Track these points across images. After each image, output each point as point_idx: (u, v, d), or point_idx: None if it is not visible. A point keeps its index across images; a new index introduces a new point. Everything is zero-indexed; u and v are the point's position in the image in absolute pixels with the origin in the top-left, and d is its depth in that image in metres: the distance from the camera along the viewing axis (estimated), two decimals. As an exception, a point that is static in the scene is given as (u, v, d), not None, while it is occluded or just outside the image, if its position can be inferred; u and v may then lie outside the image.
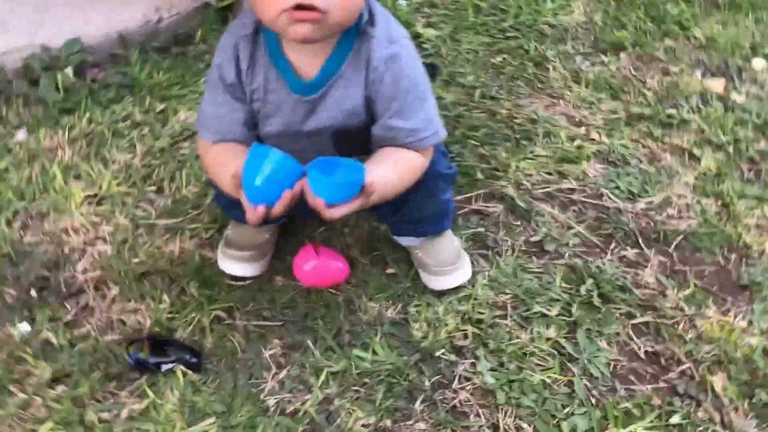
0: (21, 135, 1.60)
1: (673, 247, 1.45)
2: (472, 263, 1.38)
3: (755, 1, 2.22)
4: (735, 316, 1.32)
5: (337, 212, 0.99)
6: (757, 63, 1.98)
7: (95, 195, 1.48)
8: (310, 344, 1.24)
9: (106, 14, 1.86)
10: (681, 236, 1.47)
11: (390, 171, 1.07)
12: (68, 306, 1.29)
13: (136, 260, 1.37)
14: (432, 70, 1.87)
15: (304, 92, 1.08)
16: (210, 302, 1.29)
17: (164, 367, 1.17)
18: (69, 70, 1.72)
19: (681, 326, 1.30)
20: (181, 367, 1.18)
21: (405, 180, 1.10)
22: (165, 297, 1.30)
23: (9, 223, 1.42)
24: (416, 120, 1.07)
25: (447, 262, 1.32)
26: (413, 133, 1.09)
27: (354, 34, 1.06)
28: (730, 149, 1.68)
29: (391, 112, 1.08)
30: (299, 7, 0.94)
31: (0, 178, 1.49)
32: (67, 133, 1.61)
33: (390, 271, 1.37)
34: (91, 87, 1.71)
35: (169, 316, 1.27)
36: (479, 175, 1.58)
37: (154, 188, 1.51)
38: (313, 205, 0.99)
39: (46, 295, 1.30)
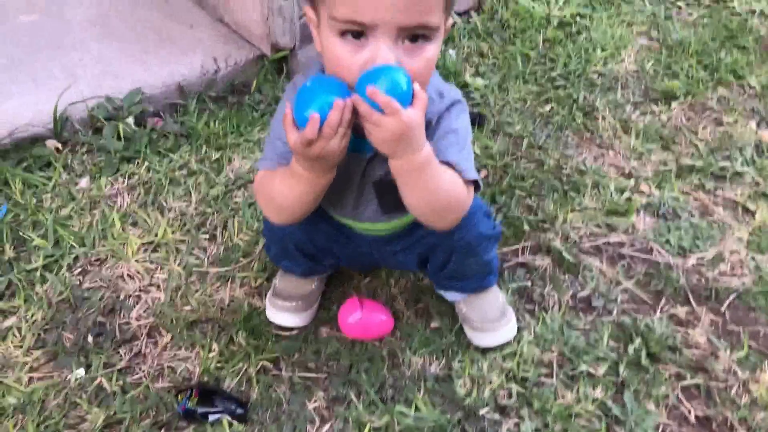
0: (84, 182, 1.67)
1: (725, 305, 1.42)
2: (518, 318, 1.37)
3: (813, 49, 2.18)
4: (791, 381, 1.28)
5: (409, 111, 0.92)
6: (816, 113, 1.93)
7: (151, 242, 1.53)
8: (354, 398, 1.25)
9: (167, 65, 1.94)
10: (734, 294, 1.44)
11: (439, 164, 1.04)
12: (122, 352, 1.33)
13: (187, 308, 1.41)
14: (479, 119, 1.90)
15: (360, 150, 1.10)
16: (257, 352, 1.32)
17: (211, 417, 1.20)
18: (130, 120, 1.80)
19: (734, 390, 1.27)
20: (228, 417, 1.20)
21: (454, 184, 1.05)
22: (214, 345, 1.33)
23: (70, 268, 1.48)
24: (450, 158, 1.06)
25: (492, 318, 1.32)
26: (450, 165, 1.07)
27: None
28: (787, 203, 1.65)
29: (434, 142, 1.08)
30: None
31: (63, 224, 1.56)
32: (126, 181, 1.67)
33: (434, 324, 1.38)
34: (151, 136, 1.78)
35: (218, 365, 1.30)
36: (526, 227, 1.58)
37: (207, 236, 1.56)
38: (382, 102, 0.91)
39: (102, 341, 1.35)
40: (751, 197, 1.67)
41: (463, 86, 2.02)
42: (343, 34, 0.94)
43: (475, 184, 1.09)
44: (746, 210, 1.64)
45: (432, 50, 0.96)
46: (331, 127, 0.93)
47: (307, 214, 1.11)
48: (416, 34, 0.93)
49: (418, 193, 1.02)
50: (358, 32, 0.93)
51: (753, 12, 2.37)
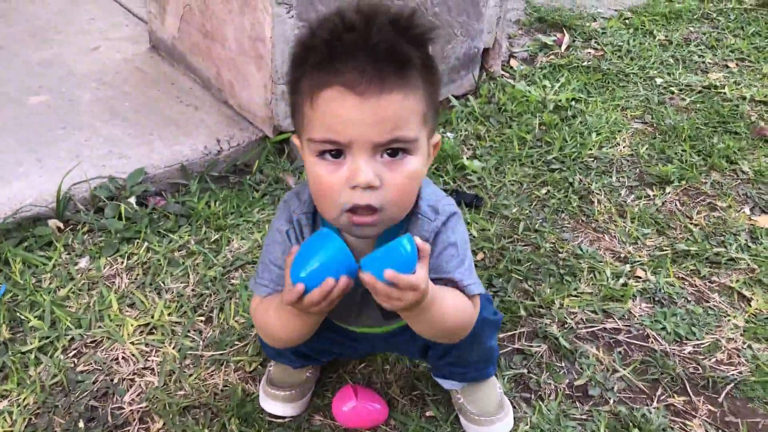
0: (83, 262, 1.69)
1: (723, 395, 1.41)
2: (514, 407, 1.36)
3: (804, 135, 2.22)
4: (792, 477, 1.26)
5: (405, 282, 0.93)
6: (808, 199, 1.96)
7: (147, 324, 1.54)
8: (347, 490, 1.23)
9: (170, 146, 1.99)
10: (731, 384, 1.43)
11: (443, 290, 1.05)
12: (113, 439, 1.32)
13: (181, 392, 1.40)
14: (476, 202, 1.93)
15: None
16: (249, 440, 1.30)
17: None
18: (132, 200, 1.83)
19: (733, 486, 1.24)
20: None
21: (461, 308, 1.07)
22: (206, 433, 1.32)
23: (65, 350, 1.48)
24: (456, 275, 1.09)
25: (489, 412, 1.31)
26: (453, 282, 1.11)
27: None
28: (782, 290, 1.65)
29: (433, 260, 1.10)
30: (356, 209, 0.97)
31: (61, 305, 1.56)
32: (125, 261, 1.69)
33: (429, 413, 1.36)
34: (152, 216, 1.81)
35: (210, 453, 1.29)
36: (522, 312, 1.59)
37: (203, 318, 1.56)
38: (376, 291, 0.94)
39: (93, 427, 1.33)
40: (746, 283, 1.67)
41: (461, 168, 2.06)
42: (321, 154, 0.96)
43: None
44: (742, 296, 1.64)
45: (413, 163, 0.97)
46: (321, 299, 0.95)
47: (295, 342, 1.11)
48: (395, 148, 0.95)
49: (427, 326, 1.05)
50: (336, 151, 0.95)
51: (743, 98, 2.43)
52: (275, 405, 1.34)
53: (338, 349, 1.31)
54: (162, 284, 1.64)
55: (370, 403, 1.32)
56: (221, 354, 1.48)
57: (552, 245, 1.79)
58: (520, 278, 1.69)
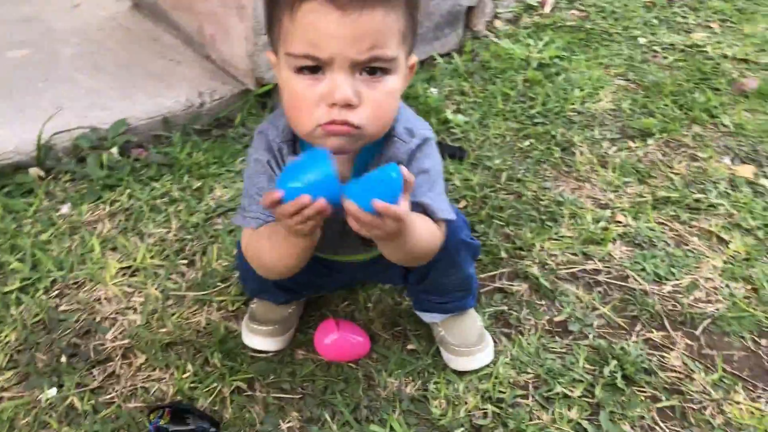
0: (65, 209, 1.68)
1: (700, 330, 1.43)
2: (495, 341, 1.38)
3: (784, 91, 2.24)
4: (766, 403, 1.28)
5: (391, 211, 0.91)
6: (787, 150, 1.98)
7: (129, 267, 1.54)
8: (328, 418, 1.24)
9: (153, 99, 1.98)
10: (708, 320, 1.45)
11: (414, 215, 1.04)
12: (95, 373, 1.32)
13: (163, 330, 1.40)
14: (460, 153, 1.93)
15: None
16: (232, 373, 1.31)
17: (183, 436, 1.18)
18: (114, 150, 1.82)
19: (708, 411, 1.26)
20: (200, 436, 1.19)
21: (430, 231, 1.07)
22: (189, 366, 1.32)
23: (47, 291, 1.47)
24: (426, 199, 1.09)
25: (470, 342, 1.32)
26: (416, 207, 1.08)
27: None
28: (760, 234, 1.67)
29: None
30: (333, 122, 0.97)
31: (42, 248, 1.56)
32: (107, 208, 1.69)
33: (411, 347, 1.38)
34: (134, 165, 1.80)
35: (192, 385, 1.29)
36: (503, 254, 1.60)
37: (185, 261, 1.56)
38: (359, 219, 0.93)
39: (75, 362, 1.33)
40: (725, 227, 1.69)
41: (445, 122, 2.06)
42: (299, 70, 0.95)
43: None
44: (721, 239, 1.66)
45: (392, 82, 0.97)
46: (294, 213, 0.93)
47: (286, 272, 1.10)
48: (374, 67, 0.95)
49: (398, 251, 1.05)
50: (314, 67, 0.94)
51: (725, 57, 2.45)
52: (257, 340, 1.34)
53: (320, 281, 1.32)
54: (144, 229, 1.63)
55: (352, 336, 1.33)
56: (204, 294, 1.48)
57: (534, 194, 1.80)
58: (502, 224, 1.70)
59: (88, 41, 2.23)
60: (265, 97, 2.05)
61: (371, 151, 1.08)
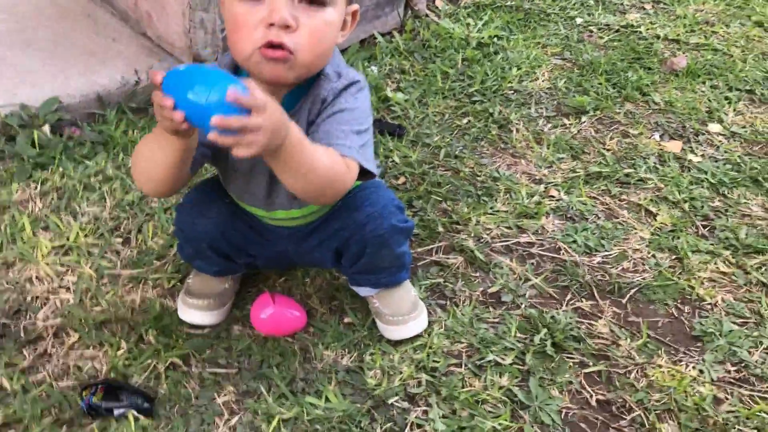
0: (-6, 188, 1.64)
1: (627, 299, 1.48)
2: (430, 313, 1.40)
3: (711, 70, 2.32)
4: (686, 366, 1.34)
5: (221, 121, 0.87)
6: (713, 127, 2.06)
7: (62, 246, 1.51)
8: (264, 391, 1.25)
9: (86, 76, 1.93)
10: (635, 289, 1.51)
11: (313, 143, 1.02)
12: (26, 353, 1.30)
13: (97, 309, 1.38)
14: (399, 131, 1.95)
15: None
16: (167, 349, 1.30)
17: (117, 412, 1.18)
18: (46, 128, 1.78)
19: (633, 375, 1.32)
20: (134, 412, 1.18)
21: (332, 163, 1.04)
22: (123, 344, 1.31)
23: (-25, 272, 1.44)
24: (340, 132, 1.08)
25: (403, 312, 1.34)
26: (326, 136, 1.07)
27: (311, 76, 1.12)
28: (686, 206, 1.74)
29: (321, 118, 1.11)
30: (270, 46, 1.01)
31: (-31, 228, 1.52)
32: (39, 187, 1.65)
33: (348, 320, 1.39)
34: (67, 144, 1.76)
35: (126, 362, 1.28)
36: (440, 229, 1.62)
37: (120, 239, 1.54)
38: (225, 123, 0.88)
39: (4, 342, 1.31)
40: (653, 201, 1.75)
41: (384, 100, 2.08)
42: None
43: (364, 171, 1.10)
44: (648, 212, 1.72)
45: (330, 14, 1.03)
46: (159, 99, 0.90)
47: (173, 186, 1.08)
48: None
49: (295, 176, 1.01)
50: None
51: (657, 37, 2.51)
52: (193, 313, 1.34)
53: (253, 248, 1.32)
54: (78, 208, 1.61)
55: (289, 310, 1.34)
56: (139, 272, 1.47)
57: (471, 170, 1.83)
58: (440, 199, 1.72)
59: (18, 17, 2.16)
60: (202, 75, 2.02)
61: (300, 91, 1.11)
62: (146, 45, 2.09)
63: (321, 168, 1.02)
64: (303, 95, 1.12)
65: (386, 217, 1.24)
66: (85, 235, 1.54)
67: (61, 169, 1.70)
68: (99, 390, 1.19)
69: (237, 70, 1.13)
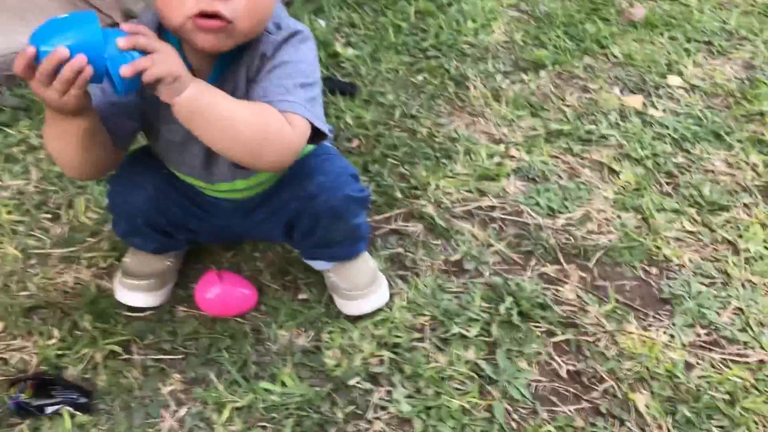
0: None
1: (593, 262, 1.43)
2: (390, 285, 1.32)
3: (669, 21, 2.26)
4: (656, 331, 1.30)
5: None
6: (673, 80, 2.00)
7: (-17, 224, 1.37)
8: (213, 378, 1.15)
9: (6, 34, 1.75)
10: (601, 251, 1.45)
11: (228, 96, 0.94)
12: (-56, 346, 1.17)
13: (24, 293, 1.26)
14: (351, 89, 1.83)
15: None
16: (104, 336, 1.19)
17: (49, 410, 1.07)
18: (-40, 93, 1.61)
19: (602, 343, 1.27)
20: (69, 408, 1.08)
21: (250, 123, 0.93)
22: (55, 332, 1.20)
23: None
24: (280, 87, 0.97)
25: (362, 285, 1.26)
26: (271, 92, 0.97)
27: None
28: (649, 163, 1.68)
29: (261, 75, 1.00)
30: (203, 15, 0.89)
31: None
32: (-46, 159, 1.49)
33: (302, 296, 1.30)
34: (-16, 110, 1.60)
35: (59, 352, 1.17)
36: (398, 195, 1.53)
37: (49, 216, 1.41)
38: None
39: None
40: (616, 159, 1.69)
41: (334, 56, 1.96)
42: None
43: (316, 131, 0.99)
44: (612, 170, 1.66)
45: None
46: (51, 71, 0.82)
47: (99, 167, 1.02)
48: None
49: (210, 132, 0.92)
50: None
51: (615, -14, 2.43)
52: (132, 295, 1.23)
53: (194, 223, 1.21)
54: (-1, 182, 1.46)
55: (237, 288, 1.24)
56: (71, 251, 1.34)
57: (428, 130, 1.74)
58: (396, 163, 1.63)
59: (-77, -31, 1.94)
60: (135, 32, 1.86)
61: (230, 53, 0.98)
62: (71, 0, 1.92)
63: (244, 122, 0.92)
64: (240, 54, 1.00)
65: (340, 187, 1.14)
66: (9, 212, 1.40)
67: (-22, 138, 1.54)
68: (29, 386, 1.08)
69: (161, 31, 0.99)
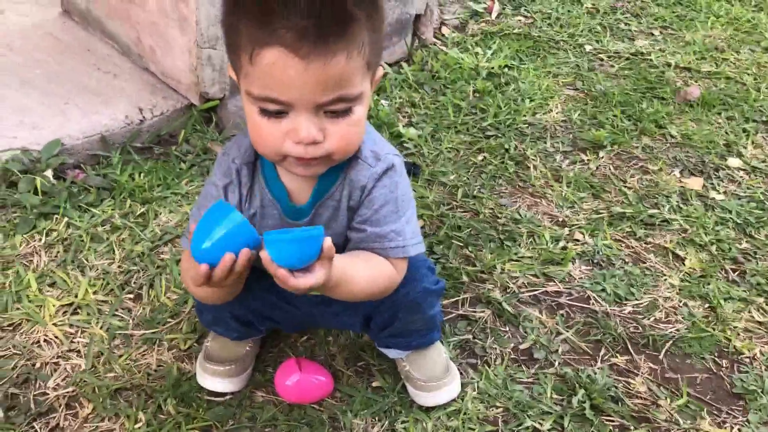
0: (-4, 241, 1.56)
1: (663, 353, 1.43)
2: (461, 373, 1.34)
3: (726, 100, 2.28)
4: (731, 428, 1.29)
5: (301, 282, 0.92)
6: (733, 161, 2.02)
7: (71, 304, 1.43)
8: (293, 467, 1.18)
9: (88, 115, 1.86)
10: (670, 341, 1.45)
11: (358, 261, 1.05)
12: (37, 427, 1.22)
13: (111, 375, 1.31)
14: (414, 170, 1.89)
15: (295, 217, 1.08)
16: (188, 421, 1.23)
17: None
18: (49, 173, 1.70)
19: (677, 440, 1.26)
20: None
21: (374, 280, 1.06)
22: (140, 415, 1.24)
23: (-22, 335, 1.36)
24: (385, 229, 1.06)
25: (436, 377, 1.28)
26: (379, 239, 1.06)
27: None
28: (713, 249, 1.69)
29: (362, 218, 1.07)
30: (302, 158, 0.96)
31: (-29, 287, 1.44)
32: (44, 238, 1.57)
33: (376, 384, 1.33)
34: (71, 190, 1.68)
35: (145, 436, 1.21)
36: (465, 278, 1.56)
37: (131, 296, 1.47)
38: (272, 273, 0.91)
39: (14, 416, 1.23)
40: (680, 243, 1.70)
41: (397, 136, 2.02)
42: (261, 111, 0.93)
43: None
44: (676, 256, 1.67)
45: (357, 112, 0.95)
46: (226, 275, 0.92)
47: (232, 297, 1.09)
48: (339, 107, 0.93)
49: (340, 297, 1.05)
50: (277, 110, 0.92)
51: (668, 65, 2.48)
52: (214, 381, 1.27)
53: (277, 315, 1.25)
54: (85, 261, 1.53)
55: (315, 376, 1.27)
56: (153, 332, 1.39)
57: (491, 211, 1.78)
58: (461, 244, 1.66)
59: (14, 52, 2.08)
60: (210, 113, 1.96)
61: (334, 174, 1.05)
62: (150, 81, 2.02)
63: (365, 288, 1.05)
64: (338, 178, 1.06)
65: (419, 280, 1.18)
66: (94, 292, 1.46)
67: (66, 218, 1.62)
68: (119, 471, 1.12)
69: (257, 156, 1.07)
